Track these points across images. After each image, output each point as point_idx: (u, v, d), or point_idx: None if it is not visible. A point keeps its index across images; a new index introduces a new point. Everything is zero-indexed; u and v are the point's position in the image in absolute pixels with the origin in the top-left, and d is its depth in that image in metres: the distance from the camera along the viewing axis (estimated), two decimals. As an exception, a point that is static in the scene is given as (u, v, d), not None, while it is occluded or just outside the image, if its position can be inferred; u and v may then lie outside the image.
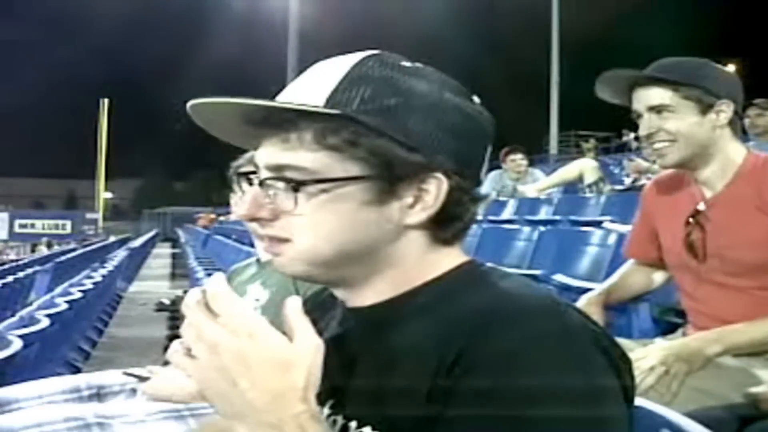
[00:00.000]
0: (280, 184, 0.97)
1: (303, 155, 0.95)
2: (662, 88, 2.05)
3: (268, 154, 0.99)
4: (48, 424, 1.97)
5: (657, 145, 2.09)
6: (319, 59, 1.03)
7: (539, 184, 7.82)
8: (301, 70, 1.06)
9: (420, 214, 0.97)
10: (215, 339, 0.84)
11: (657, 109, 2.06)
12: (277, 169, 0.97)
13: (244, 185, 2.16)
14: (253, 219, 1.00)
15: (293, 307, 0.88)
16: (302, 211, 0.96)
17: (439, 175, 0.96)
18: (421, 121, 0.96)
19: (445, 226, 1.00)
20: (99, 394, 2.31)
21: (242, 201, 1.00)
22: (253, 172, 1.02)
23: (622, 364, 0.90)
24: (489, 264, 1.05)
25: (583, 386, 0.84)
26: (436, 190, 0.97)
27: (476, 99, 1.04)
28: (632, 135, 18.23)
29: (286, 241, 0.98)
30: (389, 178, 0.95)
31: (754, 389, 1.74)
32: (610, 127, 25.77)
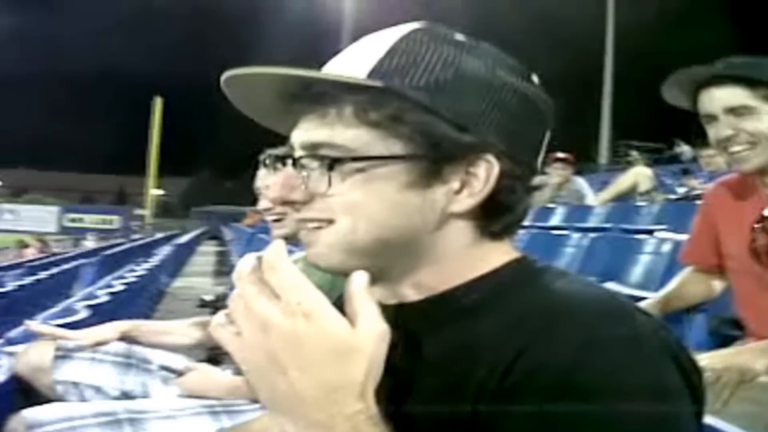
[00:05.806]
0: (314, 163, 0.88)
1: (341, 131, 0.86)
2: (739, 87, 1.94)
3: (303, 131, 0.90)
4: (78, 419, 1.93)
5: (736, 149, 1.96)
6: None
7: (601, 195, 7.83)
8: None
9: (467, 200, 0.88)
10: (266, 317, 0.74)
11: (735, 111, 1.94)
12: (312, 148, 0.89)
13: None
14: (285, 202, 0.91)
15: (359, 285, 0.78)
16: (336, 191, 0.87)
17: (490, 157, 0.87)
18: (471, 99, 0.87)
19: (494, 217, 0.90)
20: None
21: (273, 184, 0.91)
22: (289, 156, 0.93)
23: (692, 373, 0.81)
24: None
25: (652, 392, 0.76)
26: (485, 174, 0.87)
27: (535, 79, 0.94)
28: (684, 146, 17.84)
29: (326, 223, 0.89)
30: (435, 159, 0.86)
31: None
32: (661, 138, 25.44)
